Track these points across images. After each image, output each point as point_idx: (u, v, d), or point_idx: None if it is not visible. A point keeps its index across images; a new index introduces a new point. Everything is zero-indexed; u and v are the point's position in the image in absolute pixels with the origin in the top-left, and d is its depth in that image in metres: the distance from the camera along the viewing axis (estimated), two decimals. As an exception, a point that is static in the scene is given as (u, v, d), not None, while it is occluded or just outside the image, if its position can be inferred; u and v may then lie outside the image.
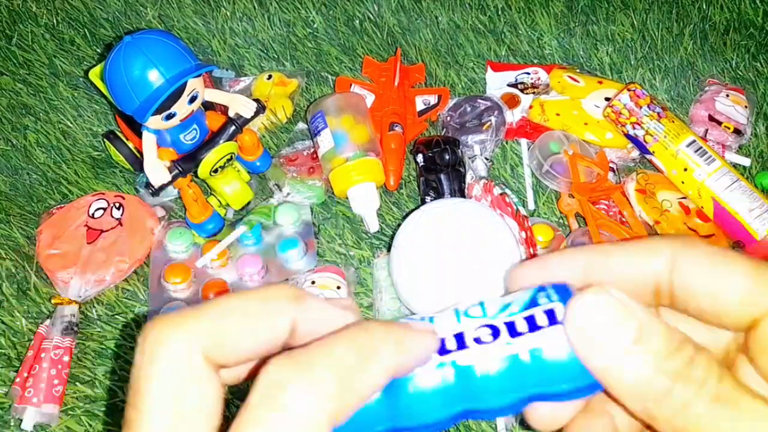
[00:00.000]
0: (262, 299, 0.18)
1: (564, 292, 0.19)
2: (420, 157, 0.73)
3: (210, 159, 0.66)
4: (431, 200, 0.70)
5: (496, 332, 0.19)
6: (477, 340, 0.19)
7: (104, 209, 0.71)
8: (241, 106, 0.67)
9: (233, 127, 0.67)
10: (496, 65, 0.85)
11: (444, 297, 0.59)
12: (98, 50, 0.87)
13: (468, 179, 0.72)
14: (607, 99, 0.76)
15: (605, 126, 0.76)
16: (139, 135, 0.65)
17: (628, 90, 0.73)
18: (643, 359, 0.17)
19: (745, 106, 0.80)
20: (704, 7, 0.93)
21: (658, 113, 0.72)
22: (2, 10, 0.92)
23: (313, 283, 0.66)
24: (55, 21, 0.90)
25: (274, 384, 0.16)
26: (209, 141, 0.67)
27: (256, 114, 0.67)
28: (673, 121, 0.72)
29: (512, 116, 0.79)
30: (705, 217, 0.71)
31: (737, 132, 0.77)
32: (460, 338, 0.19)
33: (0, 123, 0.81)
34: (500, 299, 0.20)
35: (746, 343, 0.19)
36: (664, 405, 0.17)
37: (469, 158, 0.75)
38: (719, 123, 0.78)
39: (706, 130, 0.77)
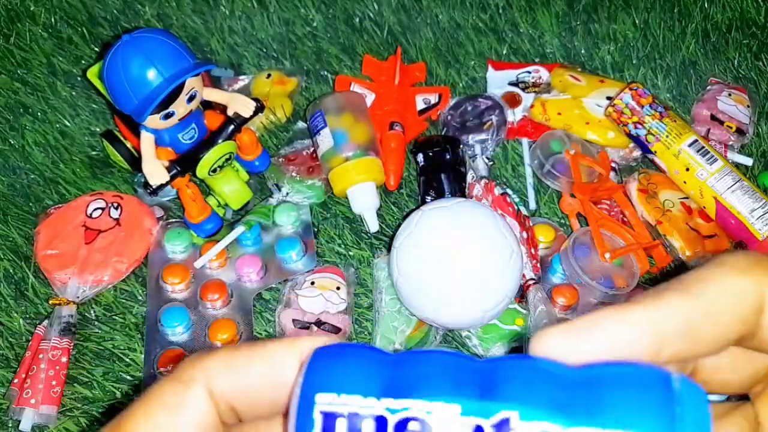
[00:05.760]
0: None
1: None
2: (420, 157, 0.73)
3: (208, 158, 0.65)
4: (431, 200, 0.70)
5: None
6: None
7: (102, 209, 0.70)
8: (240, 105, 0.66)
9: (232, 127, 0.66)
10: (497, 64, 0.85)
11: (445, 298, 0.59)
12: (96, 49, 0.87)
13: (469, 179, 0.71)
14: (609, 98, 0.76)
15: (607, 125, 0.75)
16: (138, 134, 0.64)
17: (630, 89, 0.73)
18: None
19: (748, 106, 0.79)
20: (706, 5, 0.93)
21: (660, 113, 0.72)
22: (0, 9, 0.91)
23: (312, 283, 0.65)
24: (53, 20, 0.90)
25: None
26: (208, 140, 0.66)
27: (255, 113, 0.67)
28: (675, 121, 0.72)
29: (513, 115, 0.79)
30: (707, 218, 0.71)
31: (739, 131, 0.77)
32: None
33: (-2, 122, 0.80)
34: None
35: None
36: None
37: (470, 158, 0.75)
38: (721, 122, 0.77)
39: (709, 130, 0.77)
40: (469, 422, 0.15)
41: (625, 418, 0.15)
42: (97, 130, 0.79)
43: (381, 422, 0.16)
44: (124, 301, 0.67)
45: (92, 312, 0.66)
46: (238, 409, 0.19)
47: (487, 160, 0.75)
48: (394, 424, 0.16)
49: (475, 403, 0.15)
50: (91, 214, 0.70)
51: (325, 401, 0.16)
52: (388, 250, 0.65)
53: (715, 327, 0.17)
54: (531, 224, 0.68)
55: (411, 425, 0.16)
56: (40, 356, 0.60)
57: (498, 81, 0.83)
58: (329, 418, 0.16)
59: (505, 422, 0.15)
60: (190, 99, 0.62)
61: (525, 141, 0.78)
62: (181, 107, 0.62)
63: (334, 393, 0.17)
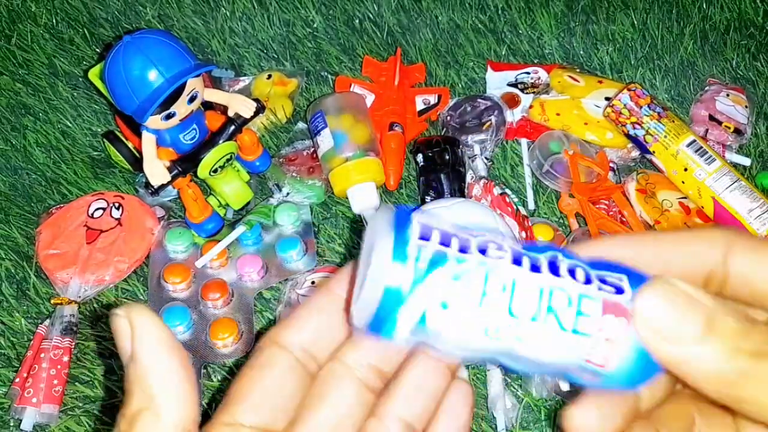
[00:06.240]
0: None
1: (636, 279, 0.19)
2: (420, 157, 0.73)
3: (209, 159, 0.66)
4: (431, 200, 0.70)
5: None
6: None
7: (103, 209, 0.71)
8: (240, 105, 0.67)
9: (233, 127, 0.67)
10: (496, 65, 0.85)
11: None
12: (98, 50, 0.87)
13: (468, 179, 0.71)
14: (608, 99, 0.76)
15: (605, 126, 0.76)
16: (139, 135, 0.65)
17: (629, 90, 0.73)
18: (717, 347, 0.18)
19: (746, 106, 0.80)
20: (704, 6, 0.93)
21: (659, 113, 0.72)
22: (2, 10, 0.91)
23: (313, 283, 0.66)
24: (54, 21, 0.90)
25: None
26: (209, 141, 0.66)
27: (256, 114, 0.67)
28: (673, 121, 0.72)
29: (512, 116, 0.79)
30: (705, 217, 0.71)
31: (737, 132, 0.77)
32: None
33: (-1, 123, 0.81)
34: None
35: None
36: (748, 385, 0.17)
37: (469, 158, 0.75)
38: (719, 123, 0.78)
39: (707, 130, 0.77)
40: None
41: None
42: (99, 130, 0.80)
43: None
44: (125, 300, 0.67)
45: (94, 311, 0.66)
46: None
47: (486, 161, 0.75)
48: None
49: None
50: (92, 214, 0.70)
51: (420, 219, 0.20)
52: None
53: None
54: (530, 224, 0.69)
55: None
56: (42, 355, 0.61)
57: (497, 82, 0.83)
58: (425, 227, 0.20)
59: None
60: (191, 100, 0.62)
61: (524, 141, 0.78)
62: (182, 108, 0.62)
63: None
